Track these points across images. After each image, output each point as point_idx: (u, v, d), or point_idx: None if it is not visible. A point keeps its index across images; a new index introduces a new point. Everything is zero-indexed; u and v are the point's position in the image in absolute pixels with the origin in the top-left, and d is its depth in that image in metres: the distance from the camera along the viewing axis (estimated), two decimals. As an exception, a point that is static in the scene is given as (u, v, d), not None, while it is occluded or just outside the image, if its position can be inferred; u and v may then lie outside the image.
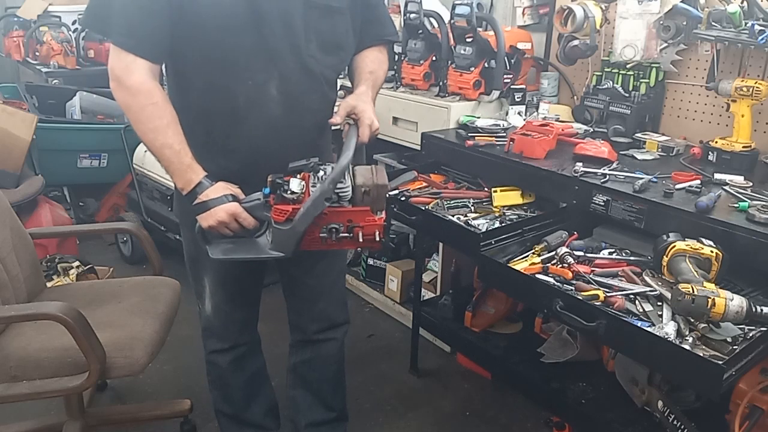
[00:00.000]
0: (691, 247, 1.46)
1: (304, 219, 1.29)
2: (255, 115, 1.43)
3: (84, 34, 4.03)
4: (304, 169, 1.37)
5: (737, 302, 1.33)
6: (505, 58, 2.35)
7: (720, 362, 1.26)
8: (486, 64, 2.37)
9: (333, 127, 1.53)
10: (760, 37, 1.74)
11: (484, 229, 1.88)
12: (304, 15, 1.40)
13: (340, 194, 1.34)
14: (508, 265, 1.71)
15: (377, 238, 1.35)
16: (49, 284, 2.19)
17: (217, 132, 1.46)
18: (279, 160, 1.45)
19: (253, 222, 1.38)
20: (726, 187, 1.69)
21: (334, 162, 1.36)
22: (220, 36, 1.36)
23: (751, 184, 1.72)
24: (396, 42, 1.69)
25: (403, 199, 2.09)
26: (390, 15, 1.69)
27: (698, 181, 1.69)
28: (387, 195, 1.37)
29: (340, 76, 1.63)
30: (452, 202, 2.08)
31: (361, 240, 1.34)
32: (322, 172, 1.36)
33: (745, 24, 1.82)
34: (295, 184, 1.31)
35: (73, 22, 4.06)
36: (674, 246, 1.48)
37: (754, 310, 1.34)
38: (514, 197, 2.04)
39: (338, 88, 1.66)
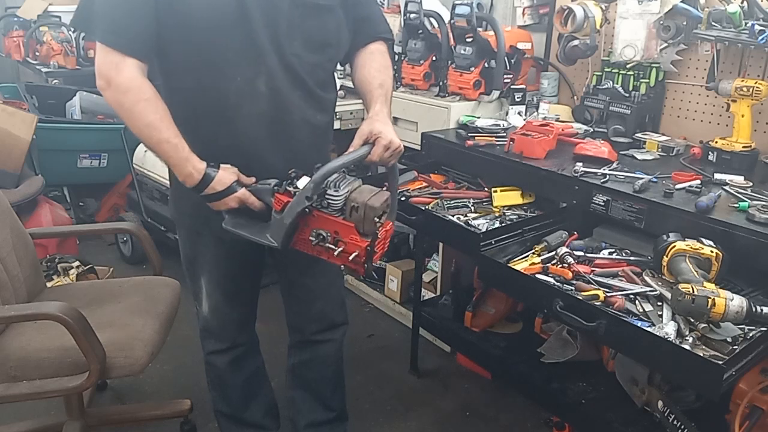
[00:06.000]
0: (691, 247, 1.46)
1: (290, 211, 1.34)
2: (245, 111, 1.42)
3: (84, 35, 4.03)
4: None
5: (737, 302, 1.33)
6: (505, 58, 2.35)
7: (720, 362, 1.26)
8: (486, 64, 2.37)
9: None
10: (760, 37, 1.74)
11: (484, 229, 1.88)
12: (289, 13, 1.39)
13: (330, 201, 1.35)
14: (508, 265, 1.71)
15: (359, 260, 1.34)
16: (49, 284, 2.19)
17: (207, 130, 1.44)
18: (269, 157, 1.46)
19: (259, 204, 1.42)
20: (726, 187, 1.69)
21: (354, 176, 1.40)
22: (210, 35, 1.35)
23: (751, 184, 1.72)
24: (390, 40, 1.66)
25: (403, 199, 2.09)
26: (382, 13, 1.67)
27: (698, 181, 1.69)
28: (377, 220, 1.34)
29: (340, 77, 1.62)
30: (452, 202, 2.09)
31: (340, 255, 1.35)
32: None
33: (745, 24, 1.82)
34: (302, 182, 1.35)
35: (73, 22, 4.06)
36: (674, 246, 1.48)
37: (754, 310, 1.34)
38: (514, 197, 2.04)
39: (338, 88, 1.65)
